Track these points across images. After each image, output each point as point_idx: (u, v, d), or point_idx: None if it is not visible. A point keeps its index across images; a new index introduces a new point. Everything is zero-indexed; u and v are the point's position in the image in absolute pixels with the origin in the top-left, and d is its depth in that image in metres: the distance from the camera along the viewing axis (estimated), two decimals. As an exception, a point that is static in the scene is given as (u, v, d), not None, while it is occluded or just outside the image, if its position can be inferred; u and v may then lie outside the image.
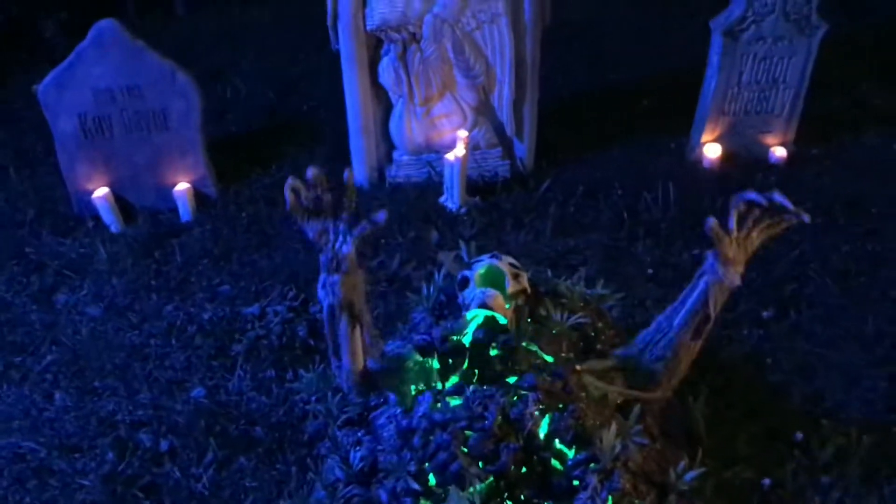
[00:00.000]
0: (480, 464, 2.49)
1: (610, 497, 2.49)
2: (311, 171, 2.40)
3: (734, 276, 2.49)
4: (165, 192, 4.03)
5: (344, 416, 2.82)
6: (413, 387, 2.70)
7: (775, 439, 2.95)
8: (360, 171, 4.14)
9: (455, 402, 2.56)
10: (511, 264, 2.69)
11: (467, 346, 2.62)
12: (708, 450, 2.78)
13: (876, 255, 3.74)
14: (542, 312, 2.73)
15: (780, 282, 3.59)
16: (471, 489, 2.49)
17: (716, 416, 2.96)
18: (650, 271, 3.61)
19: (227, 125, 4.55)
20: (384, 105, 4.01)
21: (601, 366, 2.72)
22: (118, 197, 4.02)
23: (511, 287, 2.63)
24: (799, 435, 2.94)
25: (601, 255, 3.72)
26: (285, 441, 2.97)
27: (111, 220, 3.98)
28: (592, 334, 2.81)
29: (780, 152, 4.32)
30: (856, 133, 4.45)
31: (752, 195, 2.44)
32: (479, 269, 2.65)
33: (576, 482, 2.52)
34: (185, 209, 4.01)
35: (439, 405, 2.59)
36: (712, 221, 2.43)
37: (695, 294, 2.58)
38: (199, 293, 3.61)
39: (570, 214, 3.94)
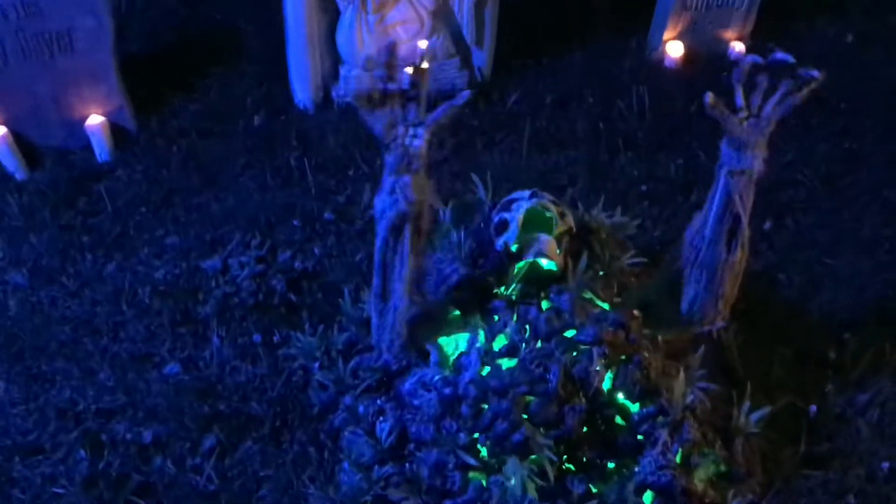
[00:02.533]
0: (543, 430, 2.24)
1: (680, 449, 2.30)
2: (390, 43, 2.06)
3: (753, 161, 2.26)
4: (75, 128, 3.41)
5: (363, 384, 2.48)
6: (453, 346, 2.38)
7: (806, 361, 2.83)
8: (302, 91, 3.64)
9: (508, 363, 2.27)
10: (553, 201, 2.37)
11: (515, 299, 2.31)
12: (744, 381, 2.64)
13: (854, 154, 3.64)
14: (585, 252, 2.44)
15: (771, 189, 3.44)
16: (532, 457, 2.24)
17: (745, 345, 2.79)
18: (643, 188, 3.37)
19: (127, 44, 3.89)
20: (330, 14, 3.50)
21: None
22: (17, 136, 3.37)
23: (558, 227, 2.32)
24: (831, 354, 2.83)
25: (586, 173, 3.44)
26: (290, 417, 2.60)
27: (14, 165, 3.34)
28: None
29: (739, 47, 4.12)
30: (810, 24, 4.30)
31: (749, 56, 2.19)
32: (522, 211, 2.31)
33: (640, 437, 2.31)
34: (102, 147, 3.42)
35: (489, 369, 2.29)
36: (710, 97, 2.17)
37: (717, 193, 2.33)
38: (143, 248, 3.09)
39: (544, 129, 3.62)
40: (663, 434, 2.28)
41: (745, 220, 2.29)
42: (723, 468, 2.36)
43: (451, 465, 2.32)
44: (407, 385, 2.46)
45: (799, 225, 3.32)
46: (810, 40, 4.24)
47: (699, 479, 2.32)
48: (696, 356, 2.36)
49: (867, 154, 3.64)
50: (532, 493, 2.21)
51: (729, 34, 4.13)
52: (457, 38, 3.68)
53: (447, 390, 2.30)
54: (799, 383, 2.75)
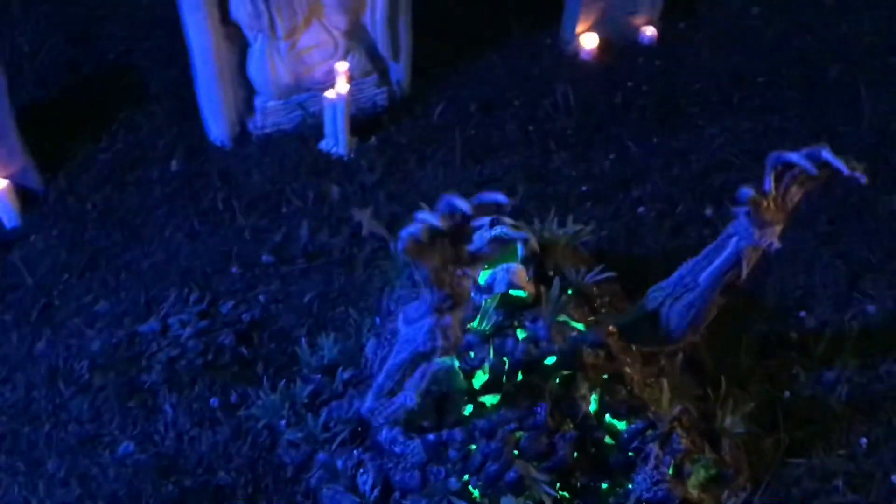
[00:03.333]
0: (535, 463, 2.17)
1: (672, 461, 2.26)
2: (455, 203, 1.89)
3: (772, 238, 2.26)
4: (-25, 196, 3.17)
5: (339, 437, 2.36)
6: (429, 392, 2.27)
7: (770, 346, 2.84)
8: (217, 127, 3.45)
9: (491, 400, 2.19)
10: (514, 225, 2.29)
11: (489, 332, 2.23)
12: (716, 377, 2.62)
13: (778, 129, 3.68)
14: (550, 272, 2.37)
15: (705, 174, 3.44)
16: (526, 493, 2.16)
17: (709, 337, 2.77)
18: (584, 188, 3.33)
19: (18, 94, 3.62)
20: (238, 44, 3.33)
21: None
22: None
23: (524, 252, 2.24)
24: (793, 335, 2.85)
25: (523, 178, 3.37)
26: (263, 482, 2.46)
27: (-87, 244, 3.08)
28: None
29: (650, 31, 4.11)
30: (714, 2, 4.33)
31: (793, 156, 2.19)
32: (486, 241, 2.21)
33: (630, 454, 2.27)
34: (9, 213, 3.17)
35: (471, 408, 2.20)
36: (749, 193, 2.17)
37: (724, 255, 2.33)
38: (72, 318, 2.88)
39: (473, 137, 3.54)
40: (654, 448, 2.24)
41: (744, 277, 2.28)
42: (713, 471, 2.33)
43: (442, 512, 2.23)
44: (384, 433, 2.35)
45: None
46: (717, 17, 4.27)
47: (692, 486, 2.30)
48: (674, 364, 2.32)
49: (791, 127, 3.67)
50: (530, 527, 2.14)
51: (639, 20, 4.11)
52: (371, 54, 3.55)
53: (431, 436, 2.20)
54: (767, 370, 2.76)
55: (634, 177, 3.40)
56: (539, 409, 2.12)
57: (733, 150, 3.54)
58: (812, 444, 2.56)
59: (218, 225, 3.17)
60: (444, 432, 2.18)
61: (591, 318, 2.30)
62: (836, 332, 2.85)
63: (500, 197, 1.88)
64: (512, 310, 2.21)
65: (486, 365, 2.20)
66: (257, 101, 3.47)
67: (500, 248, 2.23)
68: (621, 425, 2.26)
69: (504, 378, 2.17)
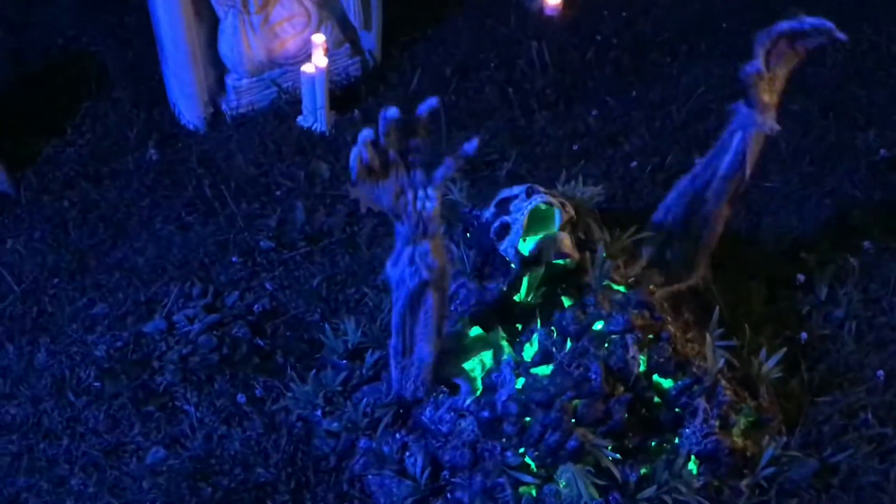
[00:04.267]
0: (592, 429, 2.17)
1: (718, 413, 2.30)
2: (390, 114, 1.80)
3: (773, 122, 2.29)
4: (-59, 205, 2.96)
5: (383, 421, 2.32)
6: (478, 366, 2.25)
7: (777, 289, 2.90)
8: (189, 110, 3.30)
9: (544, 371, 2.17)
10: (548, 192, 2.26)
11: (534, 304, 2.20)
12: (731, 325, 2.67)
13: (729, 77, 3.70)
14: (581, 236, 2.35)
15: (686, 123, 3.47)
16: (585, 460, 2.17)
17: (718, 288, 2.82)
18: (575, 147, 3.31)
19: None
20: (207, 21, 3.17)
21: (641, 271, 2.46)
22: None
23: (562, 219, 2.21)
24: (799, 277, 2.91)
25: (511, 142, 3.33)
26: (305, 475, 2.39)
27: None
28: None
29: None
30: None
31: (789, 24, 2.20)
32: (526, 213, 2.17)
33: (677, 410, 2.29)
34: (-20, 218, 2.99)
35: (522, 381, 2.18)
36: (751, 69, 2.18)
37: (730, 156, 2.34)
38: (69, 324, 2.73)
39: (454, 104, 3.47)
40: (702, 402, 2.26)
41: (748, 176, 2.30)
42: (753, 418, 2.38)
43: (499, 487, 2.22)
44: (428, 413, 2.32)
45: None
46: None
47: (736, 435, 2.34)
48: (714, 316, 2.35)
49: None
50: (595, 494, 2.15)
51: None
52: (342, 24, 3.44)
53: (485, 413, 2.18)
54: (778, 313, 2.82)
55: (620, 132, 3.40)
56: (594, 376, 2.11)
57: (709, 97, 3.56)
58: (832, 382, 2.63)
59: (208, 213, 3.04)
60: (499, 406, 2.16)
61: (631, 279, 2.30)
62: (837, 270, 2.93)
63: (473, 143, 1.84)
64: (556, 278, 2.19)
65: (535, 336, 2.18)
66: (229, 80, 3.33)
67: (535, 217, 2.20)
68: (667, 383, 2.27)
69: (554, 349, 2.15)
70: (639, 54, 3.73)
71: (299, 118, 3.36)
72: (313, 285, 2.82)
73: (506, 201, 2.25)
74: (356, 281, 2.84)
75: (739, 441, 2.33)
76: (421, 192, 1.87)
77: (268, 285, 2.82)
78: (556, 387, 2.11)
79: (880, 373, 2.65)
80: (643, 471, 2.26)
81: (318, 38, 3.22)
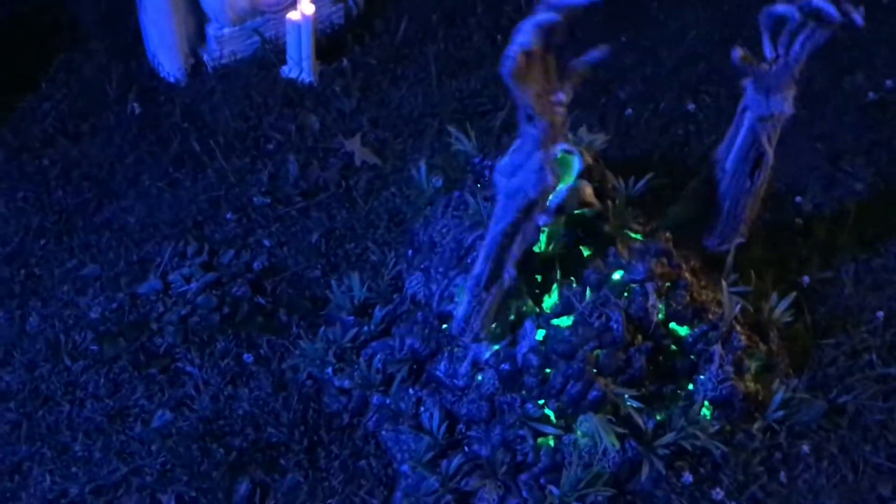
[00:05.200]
0: (612, 378, 2.16)
1: (732, 358, 2.31)
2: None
3: (783, 104, 2.23)
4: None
5: (398, 377, 2.28)
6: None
7: (777, 232, 2.90)
8: (169, 61, 3.17)
9: (565, 322, 2.15)
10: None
11: (553, 254, 2.17)
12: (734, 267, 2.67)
13: (739, 19, 3.67)
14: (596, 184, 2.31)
15: (676, 69, 3.44)
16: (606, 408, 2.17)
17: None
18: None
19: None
20: (188, -31, 3.04)
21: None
22: None
23: (582, 167, 2.16)
24: (798, 221, 2.91)
25: (503, 91, 3.25)
26: (318, 433, 2.35)
27: None
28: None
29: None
30: None
31: (780, 8, 2.13)
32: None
33: (693, 357, 2.29)
34: (-45, 178, 2.86)
35: (542, 332, 2.16)
36: (738, 53, 2.12)
37: (741, 135, 2.30)
38: (60, 287, 2.64)
39: (444, 52, 3.39)
40: (718, 348, 2.26)
41: (770, 156, 2.26)
42: (763, 362, 2.39)
43: (518, 439, 2.21)
44: (442, 367, 2.28)
45: (716, 99, 3.35)
46: None
47: (748, 380, 2.35)
48: (728, 263, 2.35)
49: (748, 17, 3.68)
50: (615, 442, 2.15)
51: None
52: (327, -29, 3.33)
53: (505, 366, 2.15)
54: (779, 258, 2.83)
55: (612, 79, 3.36)
56: (616, 326, 2.09)
57: (699, 43, 3.53)
58: (835, 325, 2.66)
59: (197, 169, 2.94)
60: (519, 358, 2.14)
61: (646, 227, 2.28)
62: (833, 213, 2.95)
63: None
64: (575, 228, 2.16)
65: (555, 287, 2.16)
66: (210, 30, 3.20)
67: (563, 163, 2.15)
68: (683, 330, 2.27)
69: (574, 298, 2.13)
70: (626, 0, 3.67)
71: (283, 68, 3.25)
72: (312, 241, 2.75)
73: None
74: (355, 236, 2.78)
75: (752, 386, 2.34)
76: (554, 97, 1.79)
77: (266, 242, 2.75)
78: (578, 337, 2.09)
79: (880, 314, 2.68)
80: (659, 418, 2.27)
81: (304, -17, 3.11)
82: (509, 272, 2.00)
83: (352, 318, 2.47)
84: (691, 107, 3.29)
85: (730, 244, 2.41)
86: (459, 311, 2.14)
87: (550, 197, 2.02)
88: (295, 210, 2.84)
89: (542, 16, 1.69)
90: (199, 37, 3.23)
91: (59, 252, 2.72)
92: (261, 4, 3.21)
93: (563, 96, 1.79)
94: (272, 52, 3.28)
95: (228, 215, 2.80)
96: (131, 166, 2.95)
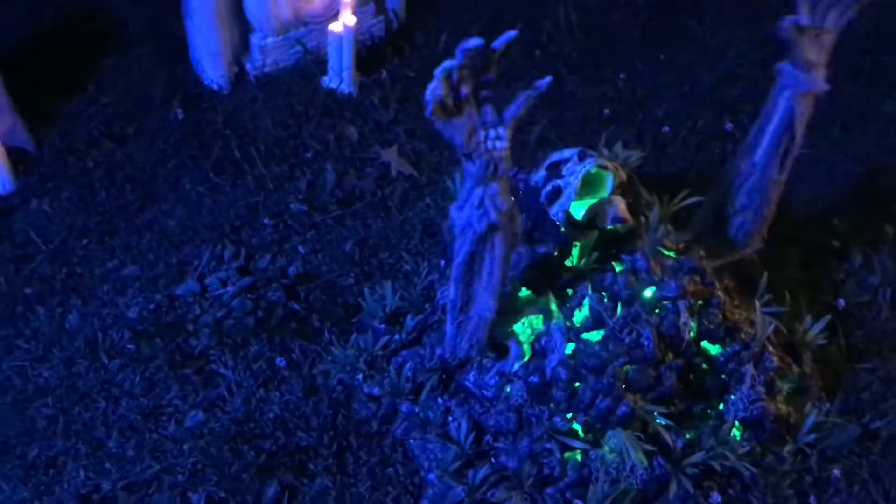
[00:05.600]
0: (641, 395, 2.16)
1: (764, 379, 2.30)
2: (472, 44, 1.76)
3: (819, 81, 2.23)
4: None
5: (427, 385, 2.30)
6: (527, 330, 2.23)
7: (812, 254, 2.88)
8: (213, 69, 3.23)
9: (594, 336, 2.15)
10: (601, 156, 2.22)
11: (585, 268, 2.18)
12: (767, 287, 2.66)
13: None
14: (630, 200, 2.32)
15: (716, 87, 3.43)
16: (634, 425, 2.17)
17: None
18: (606, 111, 3.27)
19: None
20: (234, -21, 3.11)
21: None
22: None
23: (615, 183, 2.18)
24: (835, 243, 2.90)
25: (539, 105, 3.22)
26: (347, 439, 2.37)
27: None
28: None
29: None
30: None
31: None
32: (580, 176, 2.14)
33: (723, 376, 2.28)
34: (3, 178, 2.92)
35: (572, 346, 2.17)
36: (788, 22, 2.12)
37: (776, 118, 2.29)
38: (100, 286, 2.69)
39: (482, 66, 3.42)
40: (750, 368, 2.26)
41: (798, 142, 2.26)
42: (796, 385, 2.38)
43: (545, 452, 2.21)
44: (472, 378, 2.30)
45: (754, 118, 3.27)
46: None
47: (780, 402, 2.33)
48: (762, 283, 2.34)
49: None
50: (643, 459, 2.14)
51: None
52: (371, -17, 3.37)
53: (534, 378, 2.16)
54: (813, 279, 2.81)
55: (649, 96, 3.36)
56: (647, 342, 2.10)
57: (738, 61, 3.53)
58: (870, 349, 2.63)
59: (236, 175, 2.99)
60: (548, 371, 2.15)
61: (681, 245, 2.28)
62: (871, 237, 2.92)
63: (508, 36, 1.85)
64: (608, 243, 2.17)
65: (586, 301, 2.16)
66: (254, 39, 3.26)
67: (587, 180, 2.17)
68: (714, 349, 2.27)
69: (605, 313, 2.13)
70: (665, 18, 3.68)
71: (324, 79, 3.30)
72: (346, 249, 2.79)
73: (557, 164, 2.22)
74: (389, 245, 2.81)
75: (783, 408, 2.33)
76: (492, 132, 1.83)
77: (301, 249, 2.79)
78: (608, 352, 2.09)
79: (915, 339, 2.66)
80: (688, 436, 2.26)
81: (348, -5, 3.16)
82: (486, 304, 2.04)
83: (383, 326, 2.49)
84: (729, 126, 3.28)
85: (752, 248, 2.41)
86: (448, 334, 2.17)
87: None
88: (331, 218, 2.88)
89: (447, 63, 1.75)
90: (242, 45, 3.29)
91: (100, 252, 2.78)
92: (304, 15, 3.26)
93: (503, 131, 1.81)
94: (313, 62, 3.32)
95: (266, 221, 2.85)
96: (173, 170, 3.00)
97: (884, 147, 3.26)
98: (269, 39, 3.25)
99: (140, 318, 2.61)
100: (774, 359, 2.30)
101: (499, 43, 1.77)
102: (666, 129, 3.22)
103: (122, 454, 2.34)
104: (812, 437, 2.35)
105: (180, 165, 3.02)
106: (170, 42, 3.35)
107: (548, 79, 1.84)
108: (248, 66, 3.31)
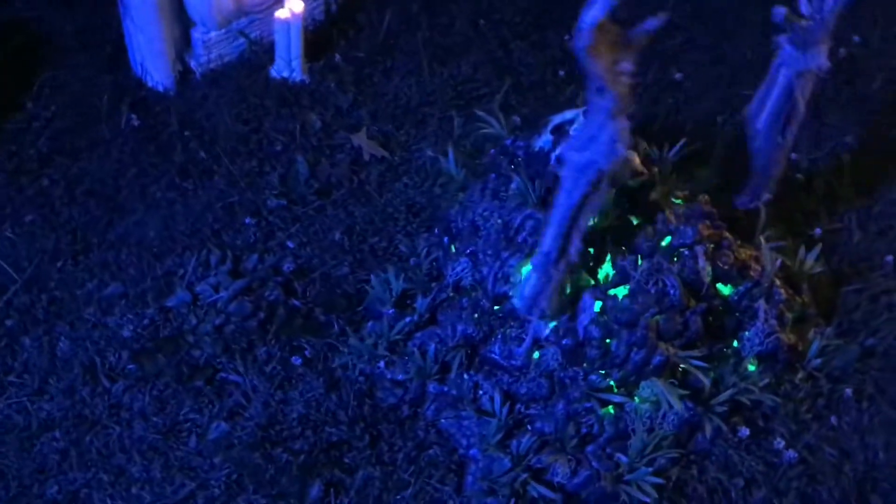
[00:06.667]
0: (672, 343, 2.22)
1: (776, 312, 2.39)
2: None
3: (820, 58, 2.30)
4: None
5: (455, 363, 2.29)
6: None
7: (781, 189, 2.98)
8: (158, 70, 3.09)
9: (622, 292, 2.19)
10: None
11: (604, 226, 2.21)
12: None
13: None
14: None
15: (657, 39, 3.47)
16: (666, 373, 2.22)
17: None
18: (561, 73, 3.30)
19: None
20: (172, -26, 2.97)
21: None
22: None
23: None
24: (799, 176, 3.02)
25: (495, 73, 3.29)
26: (376, 428, 2.34)
27: None
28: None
29: None
30: None
31: None
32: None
33: (737, 314, 2.36)
34: (-48, 207, 2.73)
35: (600, 303, 2.20)
36: (783, 12, 2.18)
37: (776, 92, 2.36)
38: (85, 309, 2.55)
39: (429, 40, 3.37)
40: (762, 304, 2.34)
41: (802, 111, 2.32)
42: (798, 313, 2.48)
43: (582, 411, 2.24)
44: (497, 349, 2.30)
45: (698, 66, 3.42)
46: None
47: (789, 332, 2.43)
48: (761, 219, 2.42)
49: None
50: (679, 404, 2.20)
51: None
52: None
53: (567, 340, 2.18)
54: (787, 212, 2.91)
55: (598, 54, 3.41)
56: (672, 290, 2.14)
57: (673, 12, 3.59)
58: (851, 272, 2.76)
59: (205, 177, 2.88)
60: (580, 332, 2.17)
61: (683, 193, 2.33)
62: (829, 167, 3.06)
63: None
64: (623, 198, 2.20)
65: (608, 258, 2.19)
66: (196, 34, 3.13)
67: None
68: (726, 290, 2.34)
69: (629, 268, 2.17)
70: (596, -25, 3.72)
71: (272, 68, 3.21)
72: (335, 239, 2.73)
73: (560, 127, 2.23)
74: (376, 230, 2.77)
75: (792, 337, 2.42)
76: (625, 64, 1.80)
77: (289, 244, 2.71)
78: (638, 305, 2.13)
79: (889, 258, 2.79)
80: (711, 376, 2.33)
81: (293, -21, 3.07)
82: (576, 246, 2.03)
83: (393, 310, 2.46)
84: (678, 76, 3.37)
85: (759, 201, 2.48)
86: (527, 289, 2.16)
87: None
88: (312, 209, 2.81)
89: (595, 12, 1.70)
90: (184, 42, 3.16)
91: (78, 273, 2.63)
92: (246, 5, 3.15)
93: (629, 66, 1.81)
94: (259, 52, 3.22)
95: (247, 220, 2.76)
96: (136, 179, 2.87)
97: (822, 81, 3.39)
98: (213, 33, 3.13)
99: (135, 335, 2.49)
100: (782, 291, 2.39)
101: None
102: (622, 84, 3.27)
103: (148, 477, 2.25)
104: (818, 361, 2.46)
105: (142, 174, 2.89)
106: (105, 47, 3.19)
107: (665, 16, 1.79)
108: (192, 63, 3.18)
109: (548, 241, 2.03)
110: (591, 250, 2.20)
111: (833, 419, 2.40)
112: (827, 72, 2.29)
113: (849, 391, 2.45)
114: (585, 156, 1.88)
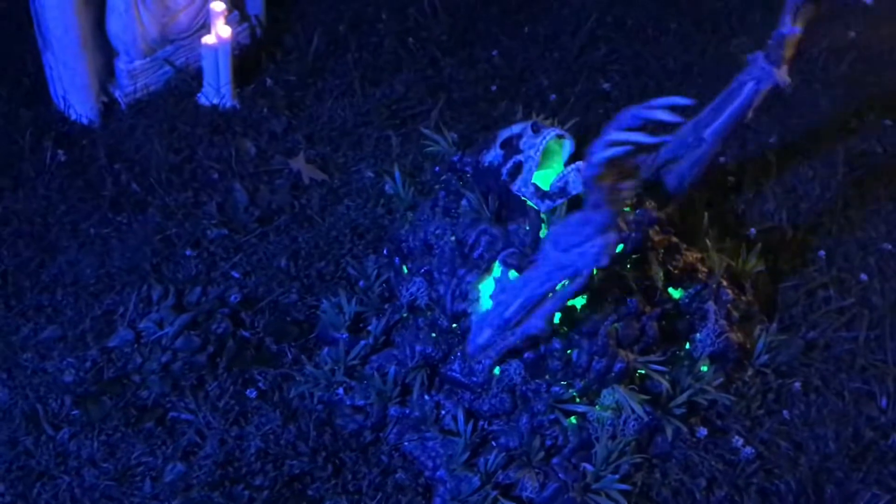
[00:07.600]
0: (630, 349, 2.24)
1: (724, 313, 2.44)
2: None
3: (785, 76, 2.37)
4: None
5: (416, 385, 2.28)
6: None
7: (713, 193, 3.07)
8: (81, 103, 2.97)
9: (579, 302, 2.21)
10: (550, 124, 2.26)
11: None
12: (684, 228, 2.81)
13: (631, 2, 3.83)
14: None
15: (582, 51, 3.56)
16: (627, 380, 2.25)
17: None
18: (493, 88, 3.31)
19: None
20: (93, 5, 2.86)
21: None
22: None
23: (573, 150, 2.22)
24: (730, 179, 3.10)
25: (426, 91, 3.28)
26: (337, 457, 2.29)
27: None
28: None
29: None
30: None
31: None
32: (541, 149, 2.16)
33: (687, 316, 2.41)
34: None
35: (559, 315, 2.21)
36: (788, 32, 2.23)
37: (738, 102, 2.40)
38: (21, 354, 2.44)
39: (361, 60, 3.36)
40: (711, 305, 2.39)
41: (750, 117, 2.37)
42: (743, 312, 2.54)
43: (546, 423, 2.25)
44: (456, 367, 2.29)
45: (624, 77, 3.49)
46: None
47: (736, 331, 2.49)
48: (705, 219, 2.48)
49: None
50: (640, 406, 2.22)
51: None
52: (232, -10, 3.23)
53: (529, 354, 2.18)
54: (720, 215, 2.99)
55: (525, 68, 3.44)
56: (628, 298, 2.17)
57: (594, 25, 3.68)
58: (785, 268, 2.85)
59: (138, 210, 2.79)
60: (543, 346, 2.18)
61: (632, 200, 2.35)
62: (756, 168, 3.15)
63: (680, 99, 1.70)
64: (574, 208, 2.21)
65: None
66: (120, 64, 3.04)
67: (552, 152, 2.20)
68: (676, 293, 2.38)
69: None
70: (517, -10, 3.78)
71: (200, 95, 3.14)
72: (280, 265, 2.68)
73: (510, 141, 2.23)
74: (322, 254, 2.73)
75: (740, 336, 2.48)
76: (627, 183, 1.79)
77: (234, 273, 2.65)
78: (601, 315, 2.15)
79: (821, 252, 2.90)
80: (668, 379, 2.36)
81: (218, 6, 3.00)
82: (538, 326, 2.05)
83: (347, 335, 2.43)
84: (606, 86, 3.43)
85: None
86: (480, 339, 2.16)
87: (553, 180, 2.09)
88: (254, 237, 2.75)
89: (612, 151, 1.68)
90: (107, 73, 3.06)
91: (11, 318, 2.51)
92: (170, 32, 3.07)
93: (630, 185, 1.81)
94: (185, 80, 3.15)
95: (188, 252, 2.68)
96: (66, 217, 2.75)
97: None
98: (138, 62, 3.04)
99: (78, 379, 2.39)
100: (729, 291, 2.44)
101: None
102: (553, 96, 3.32)
103: (106, 529, 2.16)
104: (765, 357, 2.53)
105: (72, 210, 2.78)
106: (24, 81, 3.07)
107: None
108: (116, 93, 3.08)
109: (512, 311, 2.05)
110: (547, 263, 2.20)
111: (785, 413, 2.47)
112: (789, 87, 2.35)
113: (797, 384, 2.52)
114: (567, 258, 1.89)
